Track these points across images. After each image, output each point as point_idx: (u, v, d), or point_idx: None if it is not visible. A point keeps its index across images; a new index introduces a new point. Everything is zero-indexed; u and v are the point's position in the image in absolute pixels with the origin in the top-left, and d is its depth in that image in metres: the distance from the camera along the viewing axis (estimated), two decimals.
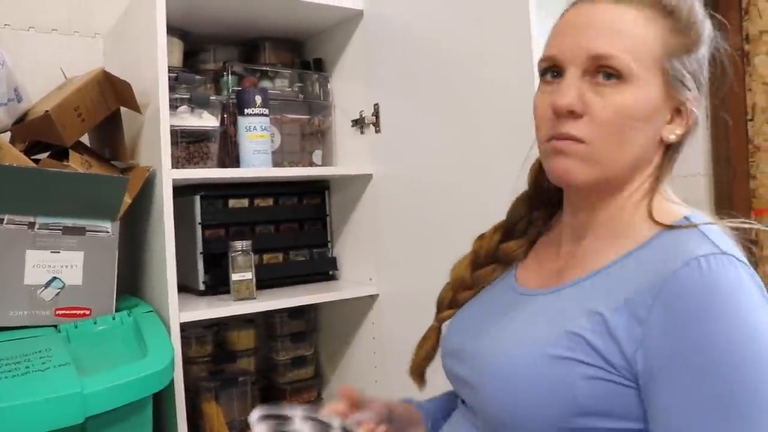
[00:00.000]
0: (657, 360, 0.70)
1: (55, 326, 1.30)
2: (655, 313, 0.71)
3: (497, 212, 1.30)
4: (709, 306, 0.69)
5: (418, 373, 1.03)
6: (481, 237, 1.01)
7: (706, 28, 0.85)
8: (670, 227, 0.79)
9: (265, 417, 0.91)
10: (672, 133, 0.83)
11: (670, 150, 0.85)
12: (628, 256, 0.79)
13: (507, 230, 0.99)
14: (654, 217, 0.80)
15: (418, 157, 1.55)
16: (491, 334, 0.86)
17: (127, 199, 1.38)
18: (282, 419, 0.91)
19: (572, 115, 0.79)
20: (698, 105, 0.83)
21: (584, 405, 0.73)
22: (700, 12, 0.85)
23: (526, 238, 0.98)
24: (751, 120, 2.57)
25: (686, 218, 0.80)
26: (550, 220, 0.98)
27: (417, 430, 1.02)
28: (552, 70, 0.84)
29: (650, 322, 0.71)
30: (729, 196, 2.57)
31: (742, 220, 0.82)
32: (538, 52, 1.23)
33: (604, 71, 0.78)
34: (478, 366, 0.85)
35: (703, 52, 0.84)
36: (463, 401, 0.92)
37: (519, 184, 1.02)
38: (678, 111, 0.82)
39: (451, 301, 1.01)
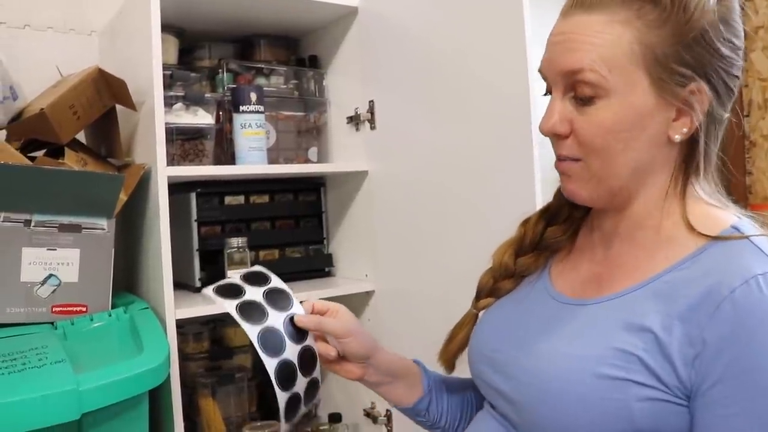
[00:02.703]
0: (709, 379, 0.68)
1: (52, 323, 1.30)
2: (709, 333, 0.69)
3: (491, 209, 1.31)
4: (767, 328, 0.67)
5: (450, 362, 1.01)
6: (526, 222, 0.97)
7: (704, 3, 0.75)
8: (718, 238, 0.75)
9: (220, 289, 0.94)
10: (677, 133, 0.77)
11: (688, 147, 0.80)
12: (676, 268, 0.76)
13: (552, 215, 0.95)
14: (694, 227, 0.77)
15: (413, 154, 1.55)
16: (535, 348, 0.82)
17: (123, 197, 1.38)
18: (238, 290, 0.94)
19: (559, 136, 0.80)
20: (706, 93, 0.76)
21: (640, 426, 0.71)
22: None
23: (570, 223, 0.94)
24: (747, 116, 2.57)
25: (734, 227, 0.76)
26: None
27: (407, 383, 1.01)
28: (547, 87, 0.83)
29: (704, 342, 0.69)
30: (726, 192, 2.57)
31: None
32: (531, 49, 1.24)
33: (580, 87, 0.77)
34: (522, 382, 0.82)
35: (711, 29, 0.75)
36: (492, 405, 0.90)
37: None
38: (688, 105, 0.77)
39: (491, 289, 0.97)
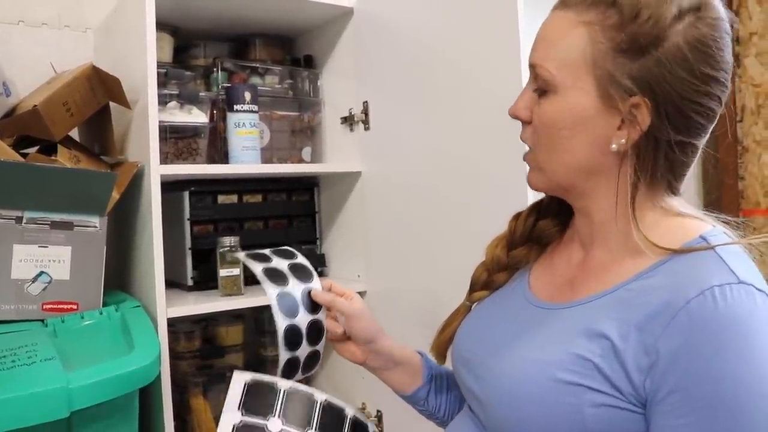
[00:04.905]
0: (663, 389, 0.69)
1: (42, 321, 1.30)
2: (663, 343, 0.69)
3: (484, 210, 1.32)
4: (719, 340, 0.67)
5: (442, 352, 1.04)
6: (517, 216, 0.99)
7: (674, 28, 0.74)
8: (676, 251, 0.75)
9: (251, 255, 1.08)
10: (616, 142, 0.77)
11: (638, 158, 0.78)
12: (641, 276, 0.76)
13: (542, 209, 0.97)
14: (648, 239, 0.76)
15: (407, 155, 1.56)
16: (503, 350, 0.85)
17: (115, 195, 1.38)
18: (266, 258, 1.08)
19: (523, 122, 0.85)
20: (649, 111, 0.75)
21: (592, 430, 0.72)
22: (656, 6, 0.74)
23: (560, 217, 0.95)
24: (740, 121, 2.59)
25: (702, 237, 0.76)
26: None
27: (407, 372, 1.06)
28: None
29: (658, 351, 0.69)
30: (718, 197, 2.59)
31: (764, 235, 0.77)
32: (525, 51, 1.24)
33: (537, 80, 0.82)
34: (487, 383, 0.84)
35: (660, 48, 0.74)
36: (470, 407, 0.92)
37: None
38: (630, 117, 0.76)
39: (485, 282, 0.99)
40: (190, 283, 1.65)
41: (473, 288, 1.01)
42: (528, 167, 0.88)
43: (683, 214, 0.81)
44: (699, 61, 0.75)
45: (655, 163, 0.79)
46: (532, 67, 0.82)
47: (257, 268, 1.02)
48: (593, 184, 0.82)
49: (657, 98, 0.75)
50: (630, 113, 0.76)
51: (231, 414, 0.92)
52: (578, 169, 0.81)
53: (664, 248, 0.76)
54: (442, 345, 1.03)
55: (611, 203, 0.81)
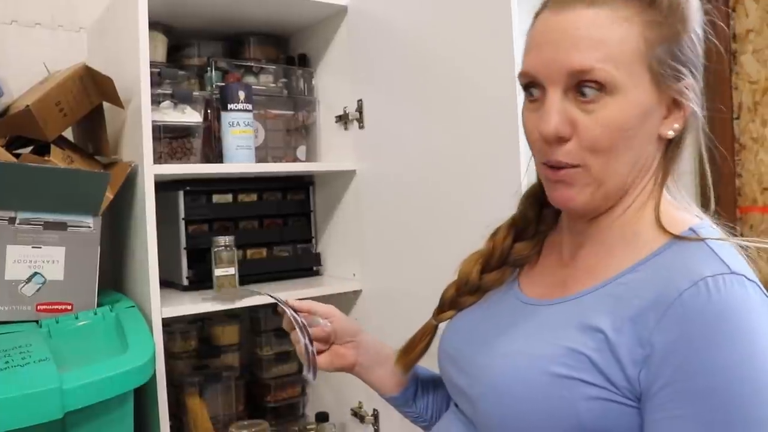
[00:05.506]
0: (658, 382, 0.68)
1: (36, 321, 1.30)
2: (658, 336, 0.69)
3: (478, 208, 1.31)
4: (713, 331, 0.67)
5: (407, 370, 1.03)
6: (494, 236, 0.96)
7: (692, 5, 0.79)
8: (677, 238, 0.75)
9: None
10: (670, 129, 0.78)
11: (671, 145, 0.80)
12: (633, 269, 0.76)
13: (519, 229, 0.94)
14: (665, 227, 0.77)
15: (402, 154, 1.55)
16: (491, 345, 0.84)
17: (109, 195, 1.38)
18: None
19: (560, 140, 0.76)
20: (695, 90, 0.78)
21: (587, 425, 0.71)
22: None
23: (537, 238, 0.94)
24: (737, 118, 2.58)
25: (692, 230, 0.76)
26: (559, 214, 0.93)
27: (394, 369, 1.05)
28: (533, 86, 0.79)
29: (652, 344, 0.69)
30: (715, 195, 2.58)
31: (756, 239, 0.77)
32: (519, 49, 1.24)
33: (586, 85, 0.74)
34: (476, 378, 0.83)
35: (693, 31, 0.78)
36: (456, 405, 0.91)
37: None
38: (675, 102, 0.78)
39: (452, 302, 0.97)
40: (185, 282, 1.64)
41: (441, 308, 0.99)
42: (562, 186, 0.79)
43: (672, 204, 0.81)
44: (701, 41, 0.80)
45: (683, 142, 0.81)
46: (580, 72, 0.74)
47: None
48: (634, 179, 0.80)
49: (696, 77, 0.79)
50: (677, 99, 0.78)
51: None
52: (633, 166, 0.78)
53: (670, 234, 0.76)
54: (409, 364, 1.01)
55: (638, 196, 0.81)
